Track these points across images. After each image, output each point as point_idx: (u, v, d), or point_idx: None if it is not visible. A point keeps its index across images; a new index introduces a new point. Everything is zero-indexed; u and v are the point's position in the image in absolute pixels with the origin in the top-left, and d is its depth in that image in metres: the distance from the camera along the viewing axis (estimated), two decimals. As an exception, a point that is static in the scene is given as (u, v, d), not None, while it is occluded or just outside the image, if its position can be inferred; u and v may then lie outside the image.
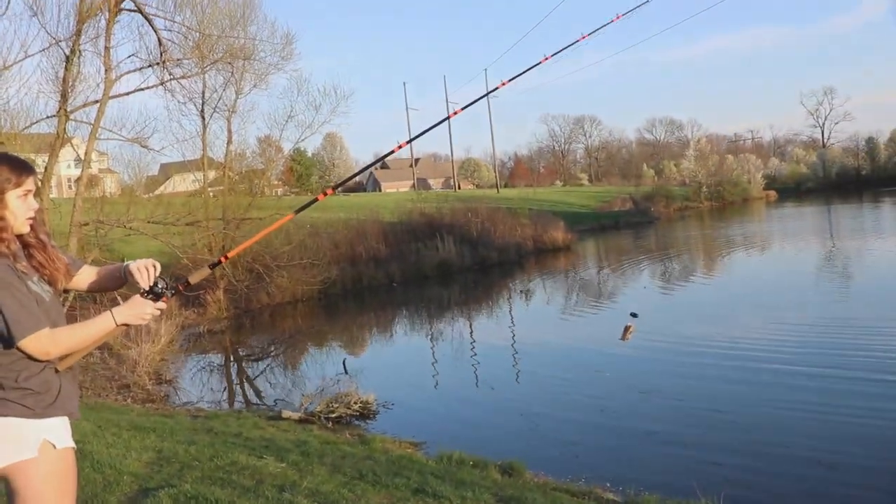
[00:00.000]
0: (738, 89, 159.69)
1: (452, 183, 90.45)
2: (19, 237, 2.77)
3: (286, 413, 10.50)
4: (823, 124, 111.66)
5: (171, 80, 19.56)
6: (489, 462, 7.64)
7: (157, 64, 18.41)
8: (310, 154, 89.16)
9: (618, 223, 54.84)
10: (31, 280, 2.73)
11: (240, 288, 22.82)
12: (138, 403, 12.33)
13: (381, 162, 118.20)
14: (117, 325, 2.80)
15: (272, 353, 18.48)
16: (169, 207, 21.40)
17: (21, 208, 2.73)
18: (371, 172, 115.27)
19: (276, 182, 36.41)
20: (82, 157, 17.22)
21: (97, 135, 16.98)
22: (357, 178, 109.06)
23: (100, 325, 2.78)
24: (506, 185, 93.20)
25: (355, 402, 10.80)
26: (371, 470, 6.56)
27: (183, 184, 29.42)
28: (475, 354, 15.98)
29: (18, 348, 2.61)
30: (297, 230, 25.19)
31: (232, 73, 23.73)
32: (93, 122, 16.61)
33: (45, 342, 2.64)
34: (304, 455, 7.24)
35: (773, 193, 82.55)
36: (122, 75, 17.72)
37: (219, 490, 5.46)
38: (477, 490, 5.96)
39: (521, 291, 25.77)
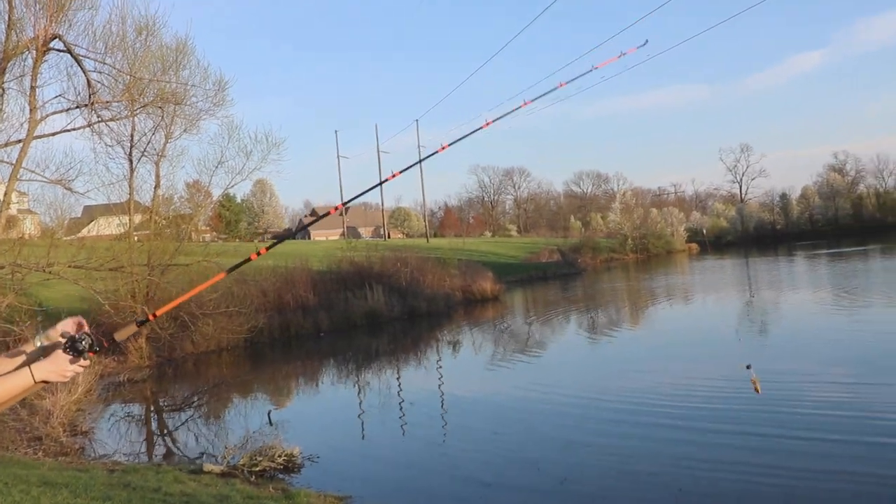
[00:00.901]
0: (662, 144, 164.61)
1: (382, 232, 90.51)
2: None
3: (208, 466, 10.21)
4: (741, 180, 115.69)
5: (99, 122, 19.26)
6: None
7: (85, 105, 18.08)
8: (239, 200, 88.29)
9: (546, 274, 55.48)
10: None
11: (163, 336, 22.30)
12: (50, 457, 11.85)
13: (311, 210, 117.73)
14: (36, 383, 2.63)
15: (195, 404, 18.03)
16: (92, 251, 20.84)
17: None
18: (300, 220, 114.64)
19: (203, 228, 35.91)
20: (1, 198, 16.73)
21: (18, 175, 16.55)
22: (286, 226, 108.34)
23: (16, 382, 2.61)
24: (435, 235, 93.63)
25: (280, 455, 10.58)
26: (294, 527, 6.42)
27: (108, 227, 28.75)
28: (403, 406, 15.85)
29: None
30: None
31: (162, 117, 23.47)
32: (14, 162, 16.20)
33: None
34: (225, 511, 7.05)
35: (695, 246, 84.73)
36: (47, 115, 17.39)
37: (134, 550, 5.26)
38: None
39: (449, 342, 25.75)
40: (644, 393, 14.00)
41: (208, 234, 41.76)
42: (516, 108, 4.75)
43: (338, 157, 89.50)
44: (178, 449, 13.56)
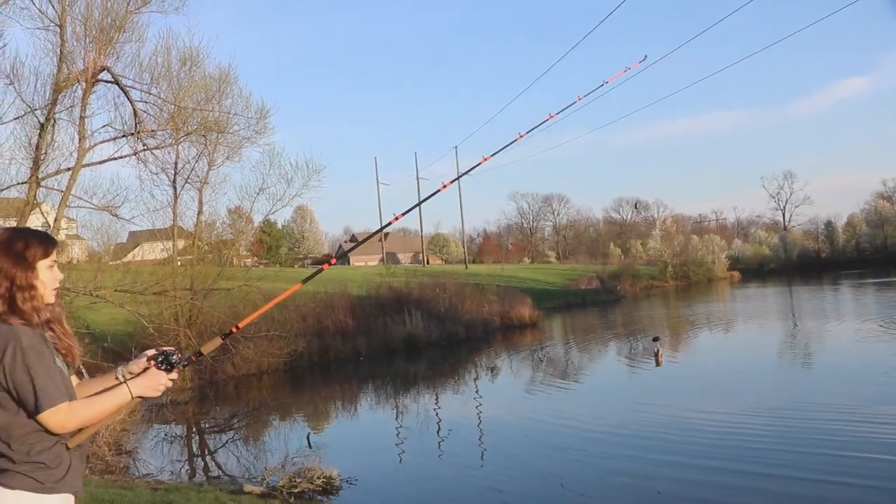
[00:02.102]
0: (703, 170, 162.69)
1: (421, 258, 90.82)
2: None
3: (248, 487, 10.39)
4: (784, 207, 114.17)
5: (144, 150, 19.72)
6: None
7: (132, 134, 18.57)
8: (279, 226, 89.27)
9: (584, 301, 55.21)
10: (55, 353, 2.80)
11: (205, 359, 22.62)
12: (96, 475, 12.10)
13: (351, 236, 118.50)
14: (133, 398, 2.88)
15: (235, 425, 18.28)
16: (137, 276, 21.30)
17: (49, 278, 2.86)
18: (340, 245, 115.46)
19: (245, 253, 36.43)
20: (51, 224, 17.21)
21: (67, 202, 17.02)
22: (325, 251, 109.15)
23: (116, 399, 2.85)
24: (474, 261, 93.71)
25: (318, 477, 10.71)
26: (332, 546, 6.53)
27: (152, 252, 29.33)
28: (441, 430, 15.92)
29: (37, 419, 2.67)
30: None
31: (205, 145, 23.93)
32: (64, 189, 16.68)
33: (63, 415, 2.68)
34: (264, 530, 7.19)
35: (736, 274, 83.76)
36: (95, 144, 17.86)
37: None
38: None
39: (487, 368, 25.78)
40: (680, 427, 13.89)
41: (249, 259, 42.29)
42: (545, 121, 4.91)
43: (377, 183, 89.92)
44: (219, 469, 13.77)
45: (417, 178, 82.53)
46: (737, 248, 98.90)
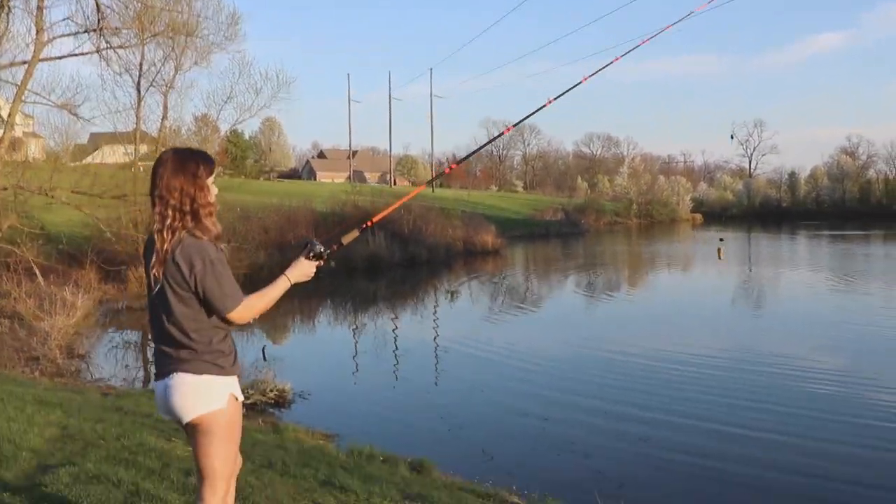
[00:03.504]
0: (676, 113, 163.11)
1: (389, 178, 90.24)
2: None
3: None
4: (752, 155, 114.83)
5: (107, 48, 19.16)
6: (399, 458, 7.69)
7: (94, 30, 17.98)
8: (247, 137, 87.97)
9: (548, 232, 55.48)
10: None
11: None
12: (46, 377, 12.02)
13: (319, 151, 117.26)
14: (291, 284, 3.33)
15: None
16: (96, 178, 20.88)
17: (214, 193, 3.20)
18: (307, 160, 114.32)
19: (210, 161, 35.81)
20: (5, 119, 16.71)
21: (23, 97, 16.51)
22: (292, 165, 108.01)
23: (280, 288, 3.31)
24: (441, 185, 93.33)
25: (271, 390, 10.75)
26: (281, 459, 6.55)
27: (113, 155, 28.74)
28: (397, 350, 16.02)
29: (225, 318, 3.14)
30: (227, 212, 24.85)
31: (173, 47, 23.34)
32: (19, 83, 16.15)
33: (243, 310, 3.15)
34: (214, 440, 7.17)
35: (699, 216, 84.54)
36: (54, 38, 17.30)
37: (122, 471, 5.37)
38: (384, 486, 6.00)
39: (447, 291, 25.89)
40: (627, 357, 14.14)
41: (214, 169, 41.59)
42: (577, 84, 4.94)
43: (349, 100, 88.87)
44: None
45: (390, 98, 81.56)
46: (702, 192, 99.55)
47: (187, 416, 3.13)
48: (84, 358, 14.26)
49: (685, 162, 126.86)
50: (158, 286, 3.12)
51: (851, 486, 7.89)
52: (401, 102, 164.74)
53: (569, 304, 23.11)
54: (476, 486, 7.18)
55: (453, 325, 19.41)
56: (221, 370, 3.16)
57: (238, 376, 3.28)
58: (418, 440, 9.30)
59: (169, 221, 3.09)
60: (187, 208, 3.09)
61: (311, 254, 3.37)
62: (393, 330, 18.99)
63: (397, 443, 8.65)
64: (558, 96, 4.78)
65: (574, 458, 8.75)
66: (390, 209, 4.14)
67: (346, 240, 3.58)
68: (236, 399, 3.21)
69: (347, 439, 8.73)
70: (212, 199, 3.18)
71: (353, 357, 15.43)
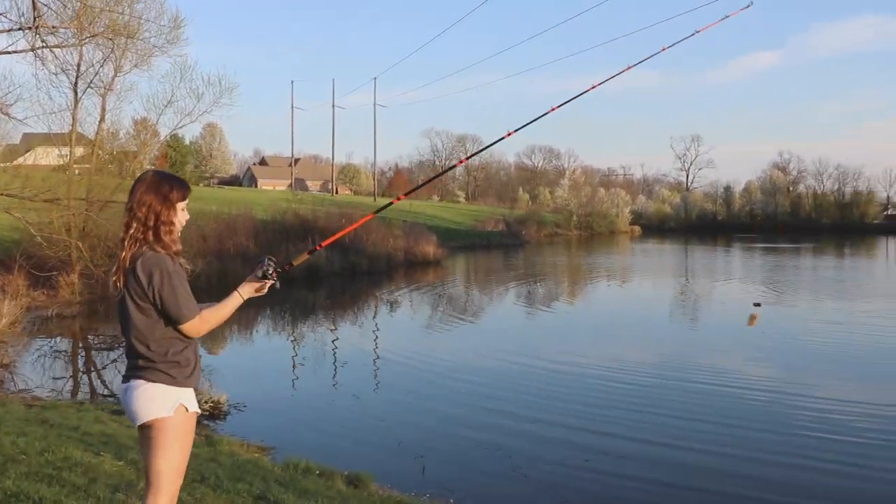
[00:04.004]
0: (616, 127, 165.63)
1: (331, 187, 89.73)
2: None
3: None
4: (689, 169, 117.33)
5: (43, 47, 18.58)
6: (336, 472, 7.57)
7: (29, 28, 17.44)
8: (187, 142, 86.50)
9: (489, 243, 55.73)
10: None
11: (97, 273, 21.83)
12: (-32, 386, 11.58)
13: (261, 158, 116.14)
14: (244, 300, 3.52)
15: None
16: (27, 180, 20.26)
17: (182, 218, 3.49)
18: (249, 167, 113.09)
19: (149, 167, 35.16)
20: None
21: (-47, 95, 15.94)
22: (233, 172, 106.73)
23: (232, 303, 3.51)
24: (383, 195, 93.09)
25: (206, 401, 10.50)
26: (214, 473, 6.38)
27: (46, 157, 27.99)
28: (336, 361, 15.86)
29: (179, 329, 3.35)
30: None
31: (112, 49, 22.83)
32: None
33: (198, 322, 3.37)
34: (144, 453, 6.96)
35: (637, 229, 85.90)
36: (-15, 34, 16.74)
37: (45, 488, 5.15)
38: (320, 500, 5.90)
39: (387, 301, 25.77)
40: (565, 368, 14.26)
41: (152, 174, 40.83)
42: (580, 94, 4.86)
43: (292, 107, 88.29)
44: (105, 388, 13.37)
45: (333, 106, 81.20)
46: (640, 204, 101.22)
47: (138, 420, 3.36)
48: (8, 367, 13.77)
49: (625, 175, 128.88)
50: (120, 296, 3.39)
51: (781, 495, 8.00)
52: (344, 111, 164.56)
53: (509, 316, 23.17)
54: (413, 500, 7.12)
55: (393, 335, 19.30)
56: (174, 380, 3.35)
57: (195, 388, 3.46)
58: (356, 453, 9.18)
59: (132, 232, 3.34)
60: (151, 223, 3.36)
61: (261, 272, 3.51)
62: (332, 340, 18.81)
63: (334, 456, 8.53)
64: (561, 104, 4.91)
65: (513, 471, 8.71)
66: (340, 234, 4.21)
67: (297, 262, 3.70)
68: (187, 410, 3.38)
69: (283, 452, 8.58)
70: (177, 220, 3.44)
71: (291, 368, 15.21)
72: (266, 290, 3.54)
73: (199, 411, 3.48)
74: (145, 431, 3.37)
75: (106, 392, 12.83)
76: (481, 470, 8.76)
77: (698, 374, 13.65)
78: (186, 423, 3.40)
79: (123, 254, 3.33)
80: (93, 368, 15.42)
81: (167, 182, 3.45)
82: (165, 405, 3.33)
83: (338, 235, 4.18)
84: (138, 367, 3.39)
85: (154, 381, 3.34)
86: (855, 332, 18.33)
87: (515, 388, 12.75)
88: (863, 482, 8.29)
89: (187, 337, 3.39)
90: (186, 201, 3.49)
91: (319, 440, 9.79)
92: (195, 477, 6.16)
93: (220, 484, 6.03)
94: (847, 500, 7.89)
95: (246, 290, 3.54)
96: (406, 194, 4.36)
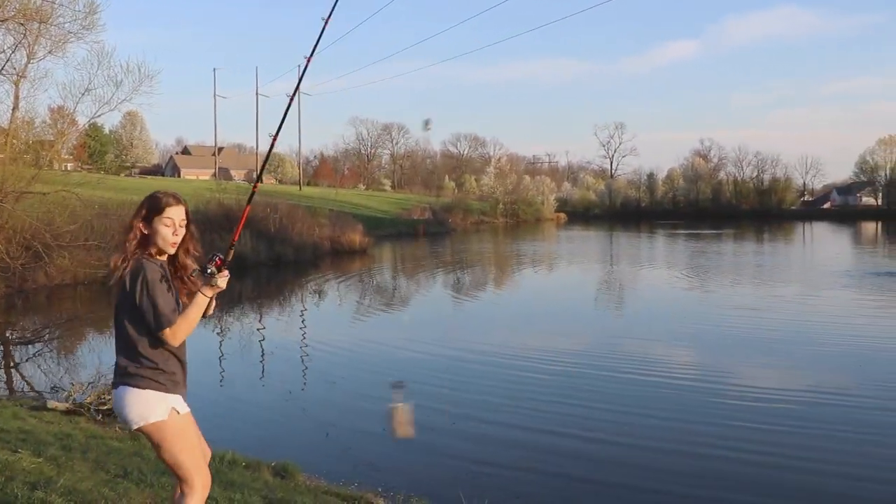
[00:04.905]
0: (541, 114, 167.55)
1: (255, 176, 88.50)
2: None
3: (52, 403, 9.91)
4: (613, 156, 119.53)
5: (-50, 33, 18.04)
6: (263, 463, 7.60)
7: (-65, 14, 16.90)
8: (107, 131, 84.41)
9: (416, 231, 55.87)
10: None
11: (14, 266, 21.27)
12: None
13: (183, 147, 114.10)
14: (208, 297, 3.62)
15: (46, 338, 17.35)
16: (-64, 171, 19.64)
17: (166, 233, 3.67)
18: (171, 157, 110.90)
19: (66, 157, 34.24)
20: None
21: None
22: (155, 162, 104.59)
23: (199, 304, 3.60)
24: (309, 184, 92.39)
25: (129, 396, 10.37)
26: (137, 468, 6.37)
27: (-44, 147, 27.07)
28: (262, 351, 15.80)
29: (159, 336, 3.51)
30: (84, 209, 23.82)
31: (24, 34, 22.19)
32: None
33: (176, 329, 3.50)
34: (65, 449, 6.90)
35: (563, 216, 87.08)
36: None
37: (-38, 486, 5.10)
38: (246, 492, 5.94)
39: (314, 291, 25.70)
40: (490, 356, 14.45)
41: (71, 164, 39.84)
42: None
43: (214, 95, 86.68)
44: (24, 384, 13.07)
45: (257, 94, 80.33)
46: (566, 192, 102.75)
47: (132, 426, 3.61)
48: (-78, 364, 13.37)
49: (550, 162, 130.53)
50: (115, 304, 3.62)
51: (694, 486, 8.30)
52: (268, 99, 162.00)
53: (435, 304, 23.35)
54: (341, 490, 7.19)
55: (319, 325, 19.29)
56: (163, 387, 3.59)
57: (182, 395, 3.72)
58: (283, 444, 9.21)
59: (122, 246, 3.66)
60: (133, 238, 3.67)
61: (204, 273, 3.66)
62: (258, 330, 18.71)
63: (261, 447, 8.54)
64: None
65: (439, 458, 8.86)
66: (239, 227, 4.23)
67: (228, 257, 3.79)
68: (178, 413, 3.64)
69: (209, 445, 8.55)
70: (161, 230, 3.66)
71: (217, 359, 15.09)
72: (224, 284, 3.66)
73: (188, 411, 3.73)
74: (147, 436, 3.64)
75: (26, 388, 12.55)
76: (408, 457, 8.88)
77: (620, 362, 13.91)
78: (182, 422, 3.66)
79: (113, 264, 3.64)
80: (11, 364, 15.04)
81: (142, 202, 3.79)
82: (157, 410, 3.57)
83: (238, 229, 4.21)
84: (127, 374, 3.57)
85: (143, 388, 3.55)
86: (772, 316, 18.87)
87: (440, 378, 12.87)
88: (780, 471, 8.58)
89: (169, 344, 3.55)
90: (168, 218, 3.70)
91: (245, 432, 9.78)
92: (118, 472, 6.15)
93: (144, 478, 6.03)
94: (764, 488, 8.21)
95: (207, 290, 3.65)
96: (258, 180, 4.42)
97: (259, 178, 4.10)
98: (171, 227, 3.70)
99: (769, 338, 16.12)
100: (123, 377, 3.58)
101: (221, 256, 3.68)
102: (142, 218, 3.71)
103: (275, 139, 4.55)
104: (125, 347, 3.58)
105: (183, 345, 3.68)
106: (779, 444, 9.19)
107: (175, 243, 3.71)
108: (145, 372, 3.55)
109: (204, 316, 3.70)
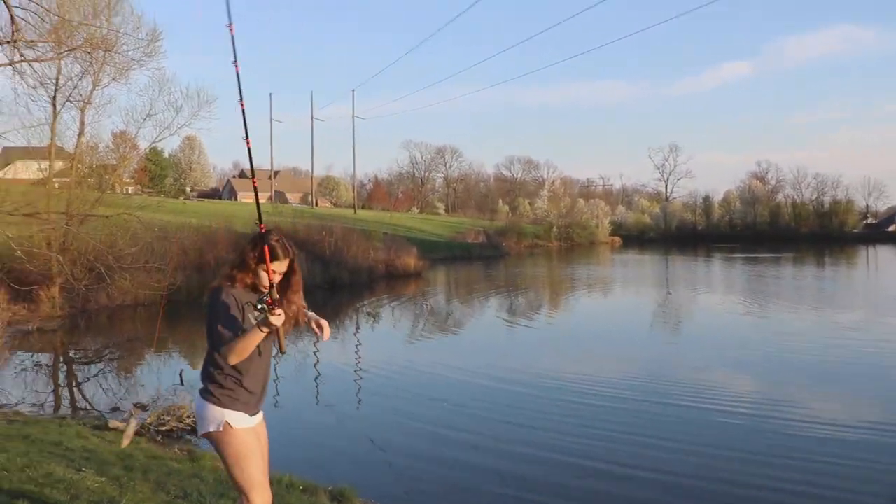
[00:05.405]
0: (595, 136, 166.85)
1: (310, 199, 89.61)
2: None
3: (113, 423, 10.07)
4: (668, 179, 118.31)
5: (21, 61, 18.61)
6: (320, 487, 7.60)
7: (8, 42, 17.44)
8: (166, 155, 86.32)
9: (470, 254, 55.86)
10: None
11: (77, 287, 21.76)
12: (-52, 402, 11.51)
13: (240, 171, 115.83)
14: (263, 331, 3.69)
15: (106, 358, 17.69)
16: (6, 195, 20.19)
17: (261, 275, 3.91)
18: (228, 180, 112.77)
19: (128, 180, 35.06)
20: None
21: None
22: (213, 185, 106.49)
23: (252, 337, 3.71)
24: (363, 207, 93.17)
25: (188, 416, 10.49)
26: (197, 489, 6.41)
27: (26, 171, 27.91)
28: (318, 375, 15.86)
29: (216, 355, 3.79)
30: (144, 231, 24.31)
31: (91, 62, 22.82)
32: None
33: (226, 351, 3.72)
34: (127, 470, 6.98)
35: (617, 239, 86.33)
36: (-37, 49, 16.74)
37: (28, 504, 5.18)
38: (305, 515, 5.93)
39: (369, 314, 25.79)
40: (543, 380, 14.30)
41: (132, 187, 40.79)
42: None
43: (270, 119, 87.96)
44: (86, 403, 13.31)
45: (312, 118, 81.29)
46: (620, 215, 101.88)
47: (199, 431, 3.97)
48: (-10, 383, 13.71)
49: (604, 185, 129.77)
50: None
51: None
52: (323, 123, 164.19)
53: (489, 328, 23.24)
54: (397, 514, 7.15)
55: (375, 348, 19.34)
56: (219, 402, 3.85)
57: (243, 412, 3.91)
58: (340, 468, 9.21)
59: (224, 272, 3.99)
60: (236, 272, 3.94)
61: (257, 307, 3.78)
62: (314, 353, 18.80)
63: (318, 471, 8.55)
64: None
65: (500, 485, 8.76)
66: (268, 266, 4.08)
67: (275, 295, 3.85)
68: (231, 426, 3.85)
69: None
70: (261, 274, 3.90)
71: (274, 381, 15.20)
72: (278, 322, 3.69)
73: (249, 426, 3.94)
74: (211, 443, 3.95)
75: (87, 407, 12.78)
76: (462, 482, 8.81)
77: (677, 390, 13.63)
78: (237, 438, 3.88)
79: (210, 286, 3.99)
80: (74, 383, 15.35)
81: (248, 244, 4.00)
82: (214, 422, 3.85)
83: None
84: (201, 385, 3.94)
85: (205, 400, 3.89)
86: (835, 344, 18.32)
87: (497, 404, 12.78)
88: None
89: (226, 363, 3.78)
90: (269, 265, 3.87)
91: (302, 455, 9.81)
92: (177, 493, 6.19)
93: (203, 500, 6.06)
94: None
95: (262, 327, 3.72)
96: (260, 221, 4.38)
97: (261, 219, 4.11)
98: (270, 276, 3.90)
99: (831, 366, 15.65)
100: (200, 387, 3.95)
101: (271, 297, 3.78)
102: (255, 258, 3.92)
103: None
104: (204, 361, 3.93)
105: (255, 367, 3.93)
106: (847, 477, 8.91)
107: (267, 287, 3.88)
108: (209, 385, 3.87)
109: (281, 352, 3.93)
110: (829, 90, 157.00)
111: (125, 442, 8.48)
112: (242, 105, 4.09)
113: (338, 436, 10.93)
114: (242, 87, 4.04)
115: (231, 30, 3.98)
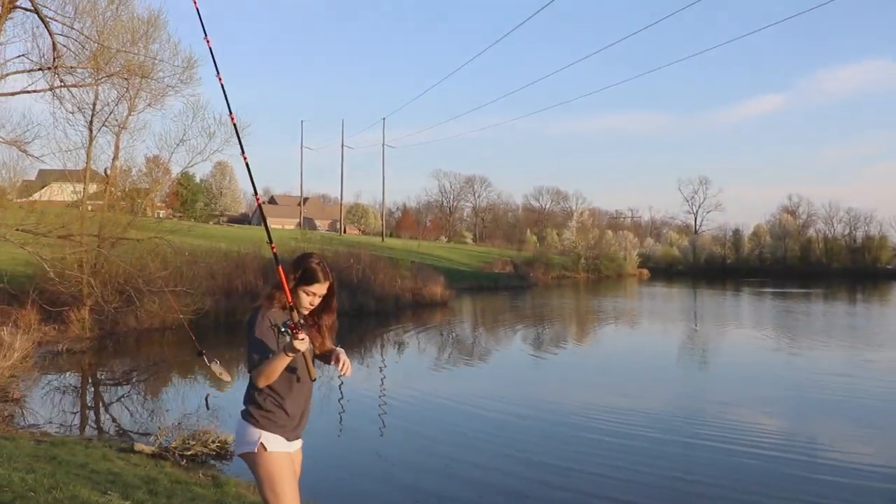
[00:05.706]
0: (624, 168, 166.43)
1: (339, 226, 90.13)
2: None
3: (139, 446, 10.12)
4: (697, 211, 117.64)
5: (61, 86, 19.00)
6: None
7: (49, 68, 17.83)
8: (198, 180, 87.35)
9: (497, 285, 55.77)
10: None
11: (107, 309, 21.98)
12: (-22, 422, 11.64)
13: (270, 197, 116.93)
14: (287, 356, 3.78)
15: (134, 380, 17.81)
16: (42, 216, 20.49)
17: (302, 298, 4.09)
18: (258, 205, 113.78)
19: (159, 204, 35.49)
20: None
21: (-27, 133, 16.23)
22: (243, 210, 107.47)
23: (279, 361, 3.81)
24: (391, 235, 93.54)
25: (213, 441, 10.52)
26: (221, 515, 6.41)
27: (61, 194, 28.32)
28: (344, 401, 15.85)
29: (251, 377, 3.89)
30: (175, 256, 24.54)
31: (127, 88, 23.21)
32: (-30, 119, 15.88)
33: (255, 374, 3.84)
34: (151, 494, 7.00)
35: (645, 272, 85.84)
36: (7, 74, 17.12)
37: (55, 525, 5.20)
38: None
39: (395, 343, 25.78)
40: (572, 411, 14.18)
41: (163, 211, 41.23)
42: None
43: (301, 146, 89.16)
44: (112, 425, 13.39)
45: (342, 146, 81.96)
46: (648, 247, 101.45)
47: (236, 451, 4.06)
48: (19, 402, 13.84)
49: (632, 217, 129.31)
50: None
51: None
52: (353, 151, 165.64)
53: (515, 359, 23.14)
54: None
55: (400, 376, 19.29)
56: (256, 422, 3.92)
57: (281, 435, 3.96)
58: (365, 495, 9.17)
59: (264, 294, 4.14)
60: (270, 290, 4.13)
61: (281, 330, 3.81)
62: (339, 381, 18.80)
63: (343, 498, 8.53)
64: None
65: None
66: (286, 290, 4.23)
67: (294, 316, 3.95)
68: (265, 448, 3.89)
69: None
70: (301, 297, 4.07)
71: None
72: (302, 346, 3.75)
73: (286, 450, 3.98)
74: (246, 464, 3.99)
75: (114, 429, 12.85)
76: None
77: (703, 428, 13.47)
78: (270, 460, 3.91)
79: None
80: (101, 405, 15.46)
81: (291, 266, 4.17)
82: (249, 442, 3.91)
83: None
84: (243, 406, 4.00)
85: (243, 420, 3.97)
86: (866, 383, 17.94)
87: (521, 434, 12.70)
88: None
89: (257, 385, 3.87)
90: (307, 288, 4.08)
91: (327, 482, 9.77)
92: (202, 518, 6.19)
93: (228, 525, 6.05)
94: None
95: (287, 348, 3.79)
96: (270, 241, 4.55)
97: (270, 239, 4.57)
98: (310, 298, 4.09)
99: (862, 406, 15.35)
100: (242, 408, 4.02)
101: (294, 322, 3.83)
102: (295, 280, 4.06)
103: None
104: (248, 383, 3.96)
105: (296, 391, 4.05)
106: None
107: (307, 309, 4.09)
108: (249, 406, 3.96)
109: (311, 378, 4.13)
110: (863, 124, 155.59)
111: (226, 378, 8.91)
112: (220, 79, 4.54)
113: (363, 464, 10.89)
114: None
115: (208, 42, 4.49)
